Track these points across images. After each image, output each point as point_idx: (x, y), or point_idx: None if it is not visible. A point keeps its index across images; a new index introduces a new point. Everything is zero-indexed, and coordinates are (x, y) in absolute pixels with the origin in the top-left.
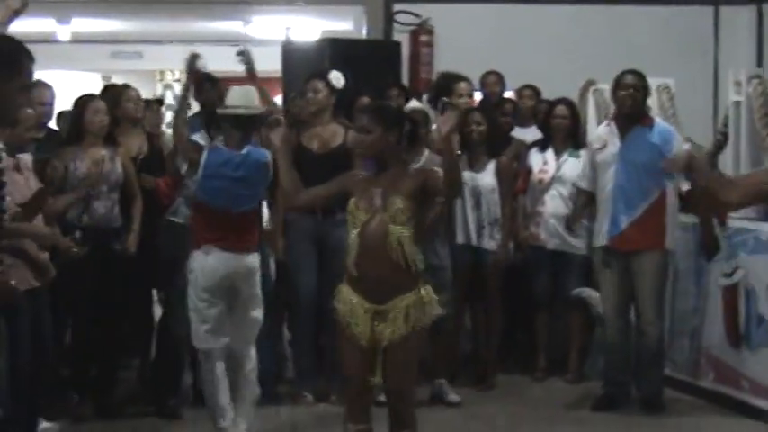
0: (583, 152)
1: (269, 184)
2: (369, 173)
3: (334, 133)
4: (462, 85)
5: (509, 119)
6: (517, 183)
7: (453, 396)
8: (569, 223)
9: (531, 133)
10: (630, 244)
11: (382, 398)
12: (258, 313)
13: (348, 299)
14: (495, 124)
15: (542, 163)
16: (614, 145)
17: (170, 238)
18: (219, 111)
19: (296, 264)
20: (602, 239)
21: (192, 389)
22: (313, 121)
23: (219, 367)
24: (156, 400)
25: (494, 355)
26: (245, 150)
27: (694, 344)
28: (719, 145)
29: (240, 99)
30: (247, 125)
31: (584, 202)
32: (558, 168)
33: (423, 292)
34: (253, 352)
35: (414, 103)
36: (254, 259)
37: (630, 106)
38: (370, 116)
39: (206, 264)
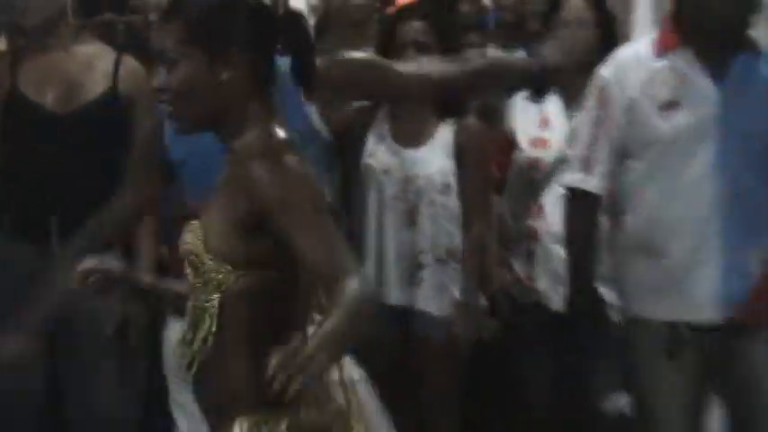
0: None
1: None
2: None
3: (88, 66)
4: None
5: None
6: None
7: None
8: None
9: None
10: (758, 312)
11: None
12: None
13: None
14: (450, 40)
15: (538, 124)
16: (703, 97)
17: None
18: None
19: None
20: (694, 311)
21: None
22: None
23: None
24: None
25: None
26: None
27: None
28: None
29: None
30: None
31: (593, 224)
32: None
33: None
34: None
35: None
36: None
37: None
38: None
39: None
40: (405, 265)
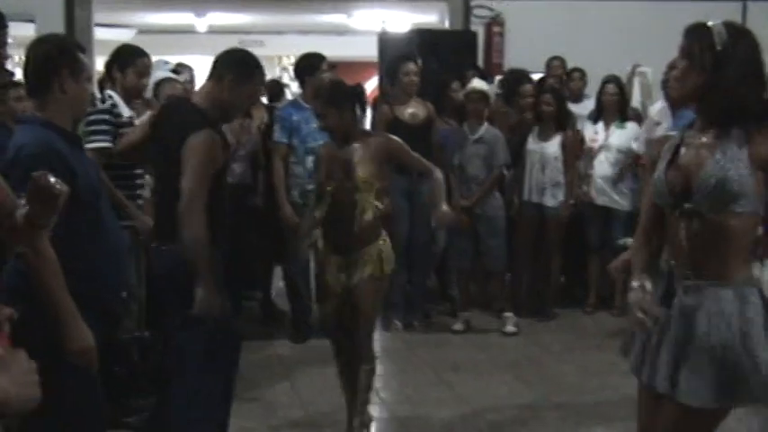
0: (630, 124)
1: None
2: (336, 146)
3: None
4: (527, 87)
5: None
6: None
7: (510, 327)
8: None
9: (581, 108)
10: None
11: None
12: None
13: (322, 252)
14: (563, 104)
15: (594, 133)
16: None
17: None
18: None
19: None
20: None
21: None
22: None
23: None
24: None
25: (552, 292)
26: None
27: None
28: None
29: None
30: None
31: None
32: (607, 138)
33: (382, 243)
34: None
35: (476, 82)
36: None
37: None
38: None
39: None
40: (539, 186)
